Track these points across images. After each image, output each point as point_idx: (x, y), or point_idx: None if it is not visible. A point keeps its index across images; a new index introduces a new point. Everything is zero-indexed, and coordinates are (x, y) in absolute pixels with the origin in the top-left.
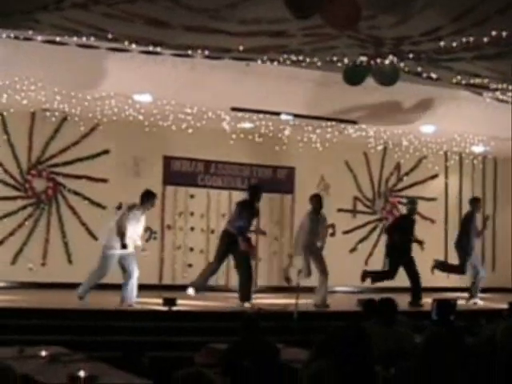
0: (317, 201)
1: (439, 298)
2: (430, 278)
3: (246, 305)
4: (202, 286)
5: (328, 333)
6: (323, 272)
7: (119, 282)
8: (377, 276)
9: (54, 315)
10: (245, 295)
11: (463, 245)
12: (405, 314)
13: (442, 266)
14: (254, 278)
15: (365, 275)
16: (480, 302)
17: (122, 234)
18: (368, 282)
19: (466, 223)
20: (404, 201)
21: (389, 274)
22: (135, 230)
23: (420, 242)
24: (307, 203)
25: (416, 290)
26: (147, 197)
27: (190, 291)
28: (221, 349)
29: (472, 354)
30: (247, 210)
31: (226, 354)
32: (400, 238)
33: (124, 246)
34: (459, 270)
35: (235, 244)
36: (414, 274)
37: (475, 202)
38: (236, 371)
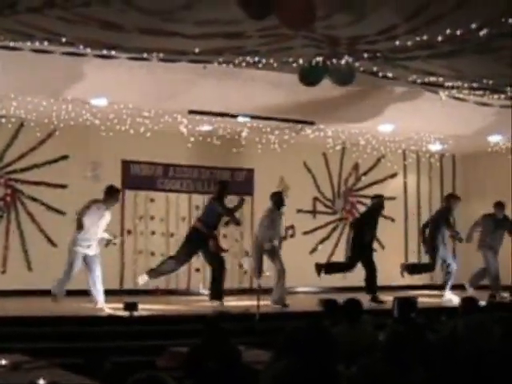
0: (277, 198)
1: (400, 296)
2: (390, 276)
3: (215, 304)
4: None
5: (287, 333)
6: (279, 271)
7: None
8: (331, 267)
9: (15, 323)
10: (215, 294)
11: (429, 241)
12: (368, 312)
13: (412, 268)
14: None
15: (318, 267)
16: (453, 298)
17: (80, 227)
18: (329, 282)
19: (437, 219)
20: (363, 200)
21: (347, 266)
22: (98, 227)
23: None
24: (267, 205)
25: (372, 284)
26: (110, 192)
27: (142, 279)
28: (183, 352)
29: (433, 350)
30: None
31: (188, 357)
32: (365, 233)
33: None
34: (430, 267)
35: (204, 243)
36: (371, 269)
37: (450, 198)
38: (198, 374)
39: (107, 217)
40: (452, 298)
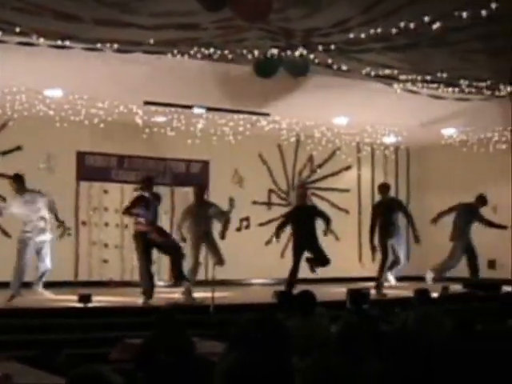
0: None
1: (352, 287)
2: (344, 268)
3: (186, 284)
4: (150, 289)
5: (241, 324)
6: (220, 261)
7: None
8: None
9: None
10: (179, 276)
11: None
12: (322, 304)
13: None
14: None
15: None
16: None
17: None
18: (284, 274)
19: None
20: (318, 193)
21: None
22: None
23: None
24: (221, 196)
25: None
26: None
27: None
28: (136, 344)
29: (385, 341)
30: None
31: (141, 349)
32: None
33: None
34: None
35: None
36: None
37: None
38: (151, 366)
39: (36, 202)
40: (391, 279)
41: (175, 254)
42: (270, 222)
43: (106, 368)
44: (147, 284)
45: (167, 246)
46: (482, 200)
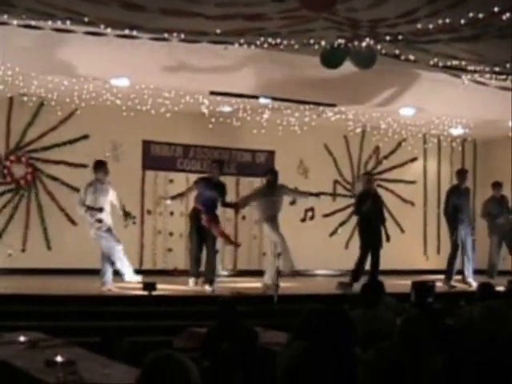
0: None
1: (417, 280)
2: (410, 260)
3: (207, 288)
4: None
5: (304, 315)
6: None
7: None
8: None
9: (34, 301)
10: (208, 277)
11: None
12: (392, 295)
13: None
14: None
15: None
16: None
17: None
18: (349, 265)
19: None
20: (384, 184)
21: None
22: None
23: None
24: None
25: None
26: (97, 166)
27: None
28: (201, 332)
29: (449, 335)
30: (205, 185)
31: (205, 338)
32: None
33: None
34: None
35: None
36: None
37: (460, 174)
38: (215, 355)
39: (109, 195)
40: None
41: (211, 249)
42: (334, 212)
43: (179, 353)
44: (194, 268)
45: (210, 236)
46: (496, 186)
